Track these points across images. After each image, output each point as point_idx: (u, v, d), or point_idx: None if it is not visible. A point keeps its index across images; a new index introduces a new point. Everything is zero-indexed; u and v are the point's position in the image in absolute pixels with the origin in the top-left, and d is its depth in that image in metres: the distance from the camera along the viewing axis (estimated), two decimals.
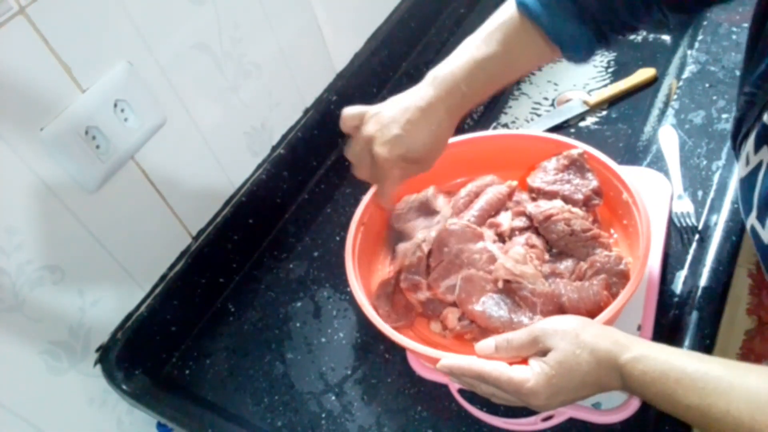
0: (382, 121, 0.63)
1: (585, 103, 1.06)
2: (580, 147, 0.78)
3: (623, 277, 0.66)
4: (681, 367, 0.48)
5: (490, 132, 0.86)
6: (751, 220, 0.57)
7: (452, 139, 0.83)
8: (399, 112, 0.63)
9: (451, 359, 0.60)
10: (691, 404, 0.47)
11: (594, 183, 0.75)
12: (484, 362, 0.57)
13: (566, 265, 0.71)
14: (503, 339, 0.58)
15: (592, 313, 0.62)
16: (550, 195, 0.76)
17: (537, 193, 0.78)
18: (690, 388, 0.47)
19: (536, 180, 0.78)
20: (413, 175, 0.68)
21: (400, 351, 0.74)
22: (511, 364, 0.57)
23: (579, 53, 0.63)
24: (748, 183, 0.57)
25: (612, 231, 0.77)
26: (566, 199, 0.75)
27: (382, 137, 0.63)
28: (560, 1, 0.60)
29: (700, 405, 0.46)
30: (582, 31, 0.61)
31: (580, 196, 0.75)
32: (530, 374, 0.54)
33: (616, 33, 0.63)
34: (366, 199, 0.78)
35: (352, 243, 0.74)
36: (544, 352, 0.55)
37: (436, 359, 0.61)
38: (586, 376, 0.53)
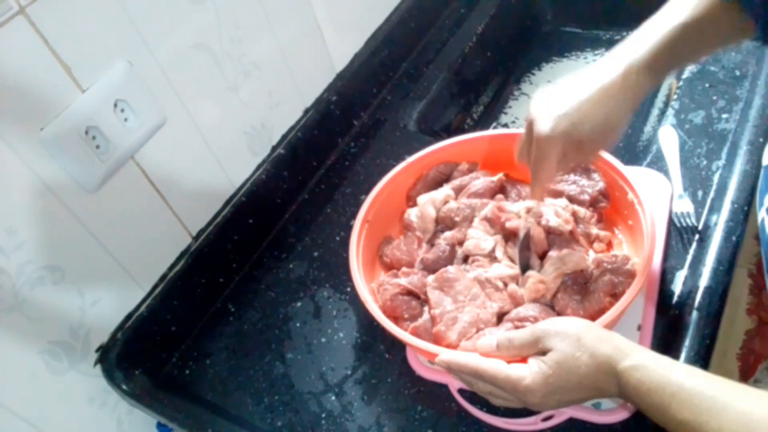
0: (548, 100, 0.60)
1: None
2: None
3: (630, 276, 0.65)
4: (678, 381, 0.48)
5: (491, 132, 0.85)
6: (762, 214, 0.55)
7: (453, 140, 0.83)
8: (569, 91, 0.59)
9: (449, 354, 0.60)
10: (683, 419, 0.47)
11: (600, 184, 0.75)
12: (482, 359, 0.58)
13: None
14: (505, 338, 0.58)
15: (594, 318, 0.62)
16: (556, 194, 0.76)
17: None
18: (685, 403, 0.47)
19: None
20: (575, 163, 0.61)
21: (400, 351, 0.74)
22: (510, 362, 0.57)
23: None
24: None
25: (616, 231, 0.77)
26: (572, 200, 0.75)
27: (546, 115, 0.59)
28: None
29: (693, 422, 0.46)
30: None
31: (586, 197, 0.75)
32: (527, 372, 0.54)
33: None
34: (369, 197, 0.78)
35: (357, 240, 0.74)
36: (544, 352, 0.55)
37: (435, 355, 0.61)
38: (584, 378, 0.53)
